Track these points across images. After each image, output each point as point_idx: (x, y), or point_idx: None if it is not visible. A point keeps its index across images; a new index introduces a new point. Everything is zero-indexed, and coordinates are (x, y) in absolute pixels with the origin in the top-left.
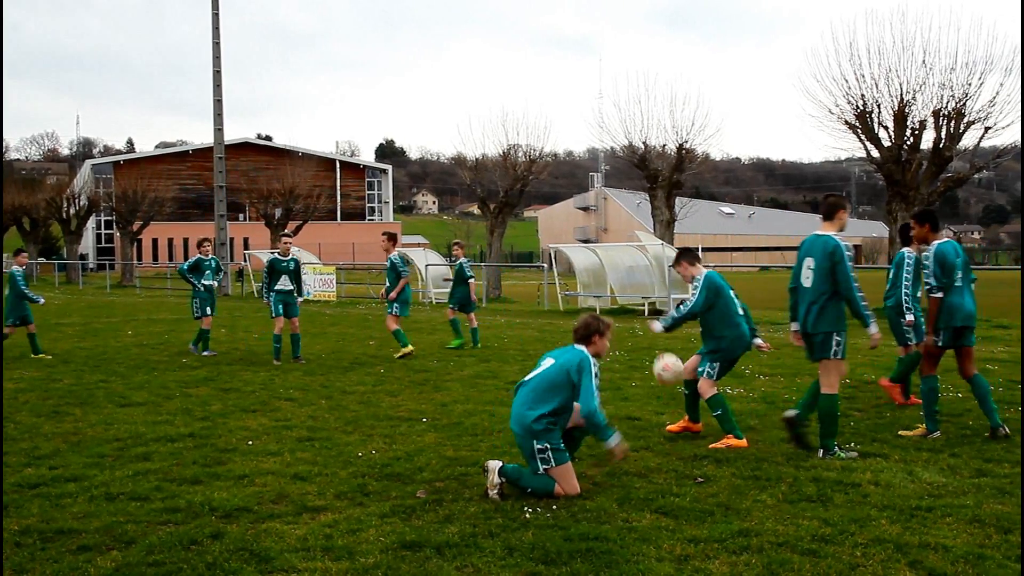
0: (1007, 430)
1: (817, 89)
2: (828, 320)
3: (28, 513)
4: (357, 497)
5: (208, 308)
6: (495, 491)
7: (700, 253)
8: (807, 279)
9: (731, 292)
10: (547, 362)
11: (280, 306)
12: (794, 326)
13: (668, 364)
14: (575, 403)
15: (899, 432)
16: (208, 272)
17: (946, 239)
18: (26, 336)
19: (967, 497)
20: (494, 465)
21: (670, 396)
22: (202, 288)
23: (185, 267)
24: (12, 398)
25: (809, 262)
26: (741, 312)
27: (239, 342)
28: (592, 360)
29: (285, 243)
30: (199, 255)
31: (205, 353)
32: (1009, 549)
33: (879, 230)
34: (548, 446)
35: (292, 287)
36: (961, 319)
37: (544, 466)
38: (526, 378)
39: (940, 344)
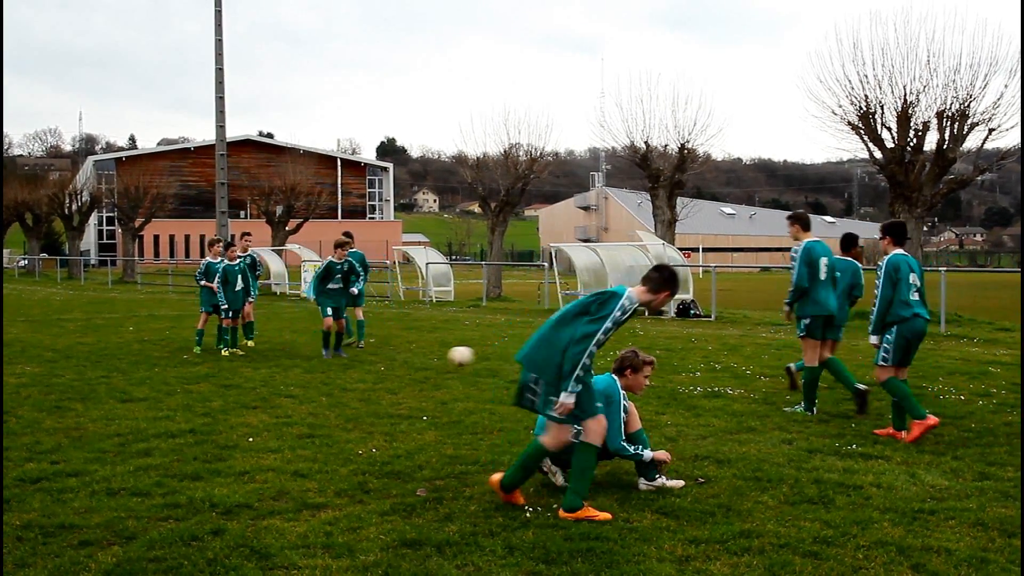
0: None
1: (820, 90)
2: None
3: (29, 508)
4: (357, 495)
5: (329, 309)
6: (560, 478)
7: (701, 253)
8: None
9: None
10: None
11: None
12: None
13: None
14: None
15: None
16: (338, 277)
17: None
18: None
19: (970, 500)
20: (545, 460)
21: (671, 396)
22: (333, 290)
23: (319, 274)
24: (14, 393)
25: (825, 260)
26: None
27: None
28: (622, 393)
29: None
30: (331, 259)
31: (325, 354)
32: (1012, 553)
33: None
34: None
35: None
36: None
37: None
38: None
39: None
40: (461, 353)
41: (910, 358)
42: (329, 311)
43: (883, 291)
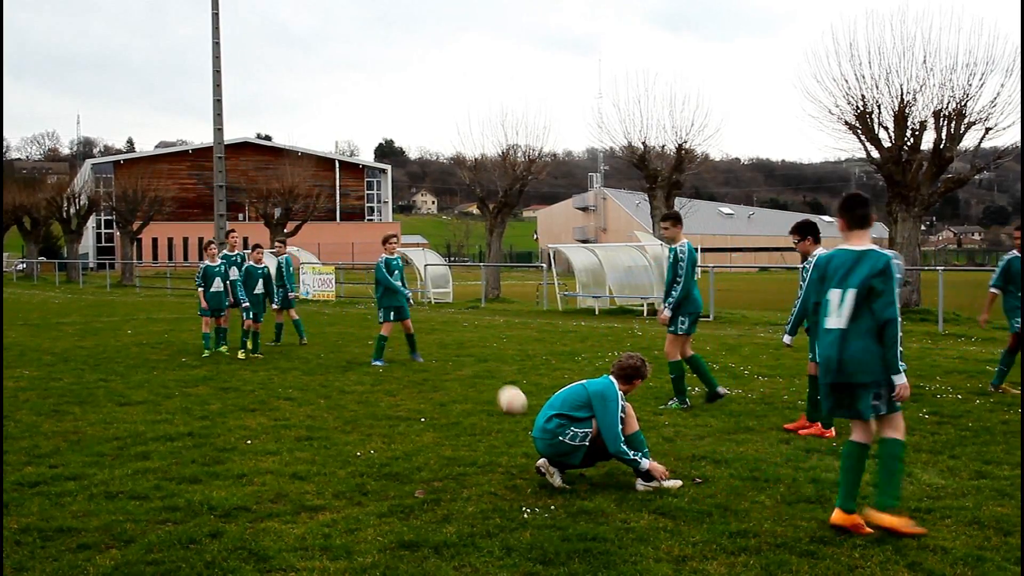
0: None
1: (817, 89)
2: None
3: (28, 511)
4: (355, 496)
5: (392, 313)
6: (558, 479)
7: (699, 253)
8: None
9: None
10: (575, 383)
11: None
12: None
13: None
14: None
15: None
16: (398, 272)
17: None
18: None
19: (966, 499)
20: (542, 462)
21: (668, 396)
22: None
23: (383, 270)
24: (12, 396)
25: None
26: None
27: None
28: (620, 394)
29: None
30: (385, 255)
31: (376, 363)
32: (1009, 551)
33: (879, 231)
34: (569, 428)
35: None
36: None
37: (577, 440)
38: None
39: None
40: (510, 400)
41: None
42: (392, 315)
43: (806, 294)
